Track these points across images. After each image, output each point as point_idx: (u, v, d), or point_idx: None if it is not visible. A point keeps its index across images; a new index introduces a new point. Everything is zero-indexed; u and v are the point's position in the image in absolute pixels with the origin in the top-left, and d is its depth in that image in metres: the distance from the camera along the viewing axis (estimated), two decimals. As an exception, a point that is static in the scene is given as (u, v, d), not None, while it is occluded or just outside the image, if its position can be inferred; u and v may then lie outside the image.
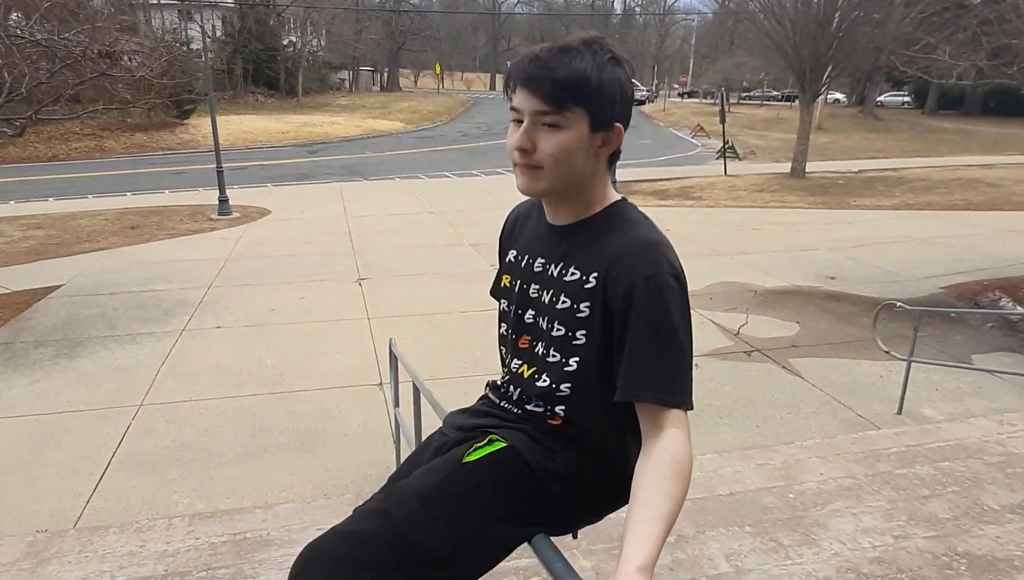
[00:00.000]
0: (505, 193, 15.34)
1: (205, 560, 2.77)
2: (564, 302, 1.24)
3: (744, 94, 51.77)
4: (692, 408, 1.14)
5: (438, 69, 60.55)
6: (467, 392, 5.37)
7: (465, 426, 1.40)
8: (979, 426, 4.25)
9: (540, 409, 1.31)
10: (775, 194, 16.08)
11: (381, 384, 5.66)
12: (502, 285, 1.42)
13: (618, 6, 78.31)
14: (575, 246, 1.25)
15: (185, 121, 27.43)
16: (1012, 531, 2.94)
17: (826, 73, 17.64)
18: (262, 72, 37.42)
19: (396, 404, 4.16)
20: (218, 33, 35.64)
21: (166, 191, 16.62)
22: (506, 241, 1.46)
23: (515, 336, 1.37)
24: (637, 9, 79.32)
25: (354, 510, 1.28)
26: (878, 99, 42.37)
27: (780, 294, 8.25)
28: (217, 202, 13.08)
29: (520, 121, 1.17)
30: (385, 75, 57.95)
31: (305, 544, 1.24)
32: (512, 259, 1.40)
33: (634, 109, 1.25)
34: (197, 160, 21.74)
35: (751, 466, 3.63)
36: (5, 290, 8.30)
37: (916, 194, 16.01)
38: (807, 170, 18.43)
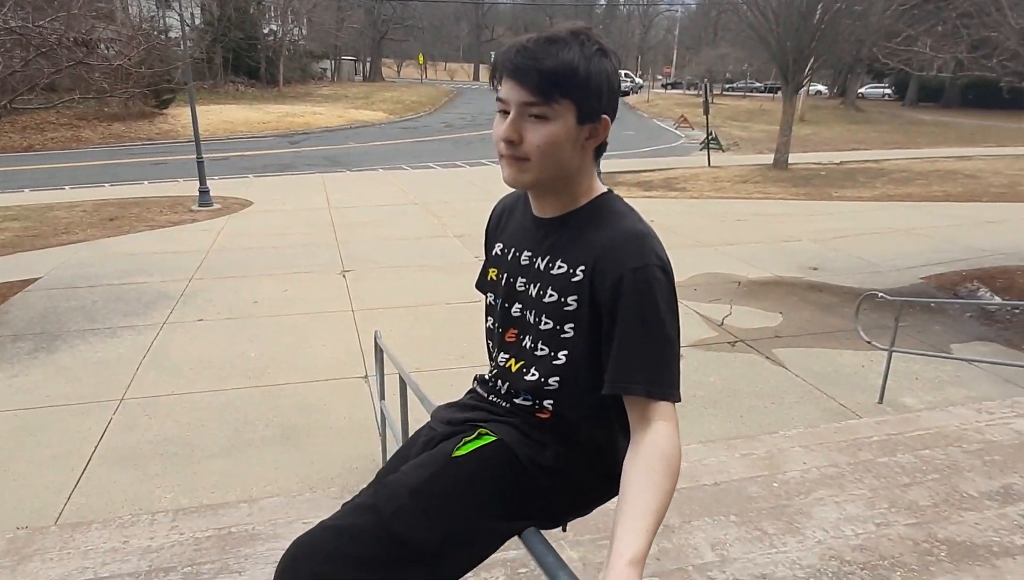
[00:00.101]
0: (490, 184, 15.30)
1: (189, 555, 2.75)
2: (551, 296, 1.23)
3: (727, 85, 51.94)
4: (680, 400, 1.14)
5: (421, 59, 60.10)
6: (453, 384, 5.37)
7: (454, 420, 1.39)
8: (958, 414, 4.32)
9: (528, 403, 1.31)
10: (758, 185, 16.18)
11: (366, 377, 5.64)
12: (488, 278, 1.41)
13: (602, -4, 78.12)
14: (562, 239, 1.24)
15: (164, 111, 27.00)
16: (990, 517, 3.00)
17: (808, 65, 17.75)
18: (242, 61, 36.89)
19: (382, 397, 4.15)
20: (197, 21, 35.06)
21: (145, 182, 16.37)
22: (492, 234, 1.45)
23: (502, 330, 1.36)
24: (621, -1, 79.26)
25: (342, 505, 1.27)
26: (859, 91, 42.76)
27: (763, 285, 8.32)
28: (197, 193, 12.91)
29: (506, 112, 1.16)
30: (367, 65, 57.38)
31: (291, 538, 1.23)
32: (498, 252, 1.39)
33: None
34: (177, 150, 21.43)
35: (735, 456, 3.66)
36: (-20, 283, 8.15)
37: (896, 185, 16.19)
38: (790, 161, 18.57)
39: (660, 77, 65.17)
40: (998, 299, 7.84)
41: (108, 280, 8.29)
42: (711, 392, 5.41)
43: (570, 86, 1.11)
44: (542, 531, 1.27)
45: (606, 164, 15.77)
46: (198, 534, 2.93)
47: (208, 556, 2.73)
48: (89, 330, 6.66)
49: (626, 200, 1.27)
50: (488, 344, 1.45)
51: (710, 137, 20.72)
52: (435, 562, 1.19)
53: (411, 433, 3.34)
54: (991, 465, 3.51)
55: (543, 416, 1.30)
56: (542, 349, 1.26)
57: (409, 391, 3.06)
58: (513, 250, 1.34)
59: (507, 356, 1.34)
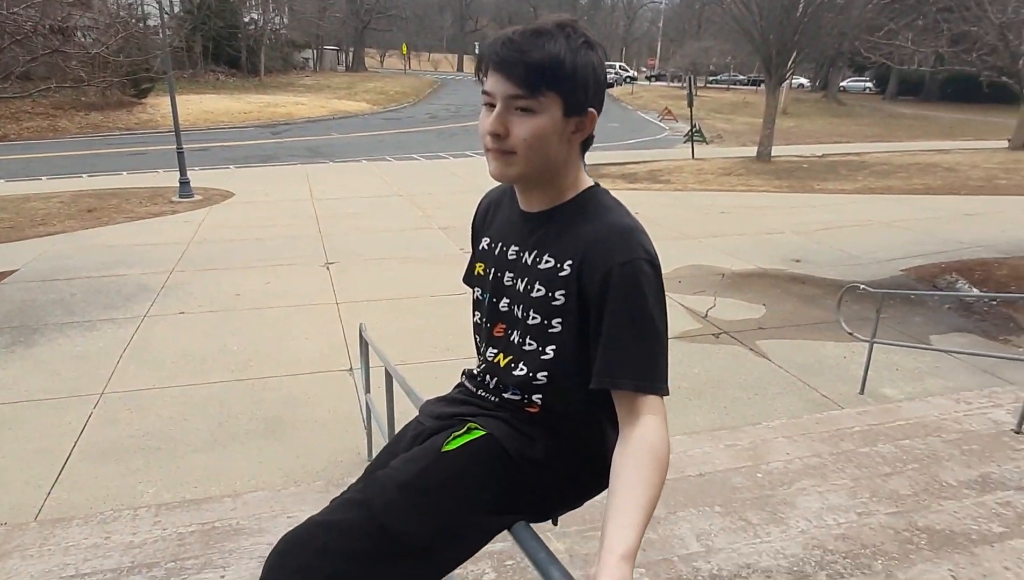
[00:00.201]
0: (474, 176, 15.25)
1: (173, 551, 2.73)
2: (539, 290, 1.23)
3: (711, 78, 52.10)
4: (668, 394, 1.14)
5: (404, 49, 59.63)
6: (438, 377, 5.37)
7: (442, 415, 1.39)
8: (937, 405, 4.39)
9: (517, 397, 1.30)
10: (742, 178, 16.28)
11: (351, 369, 5.61)
12: (476, 273, 1.41)
13: (586, -13, 77.89)
14: (549, 233, 1.24)
15: (143, 100, 26.58)
16: (968, 506, 3.05)
17: (791, 58, 17.87)
18: (223, 50, 36.38)
19: (367, 390, 4.13)
20: (176, 9, 34.47)
21: (124, 173, 16.12)
22: (479, 228, 1.44)
23: (490, 324, 1.35)
24: (605, -9, 79.06)
25: (331, 501, 1.27)
26: (841, 84, 43.10)
27: (747, 277, 8.38)
28: (178, 184, 12.74)
29: (492, 105, 1.15)
30: (350, 55, 56.82)
31: (276, 532, 1.22)
32: (485, 247, 1.38)
33: None
34: (156, 141, 21.12)
35: (720, 447, 3.70)
36: (-45, 276, 7.99)
37: (877, 178, 16.36)
38: (773, 154, 18.69)
39: (644, 69, 65.24)
40: (976, 291, 7.96)
41: (87, 272, 8.16)
42: (695, 383, 5.45)
43: (556, 79, 1.11)
44: (532, 525, 1.27)
45: (591, 156, 15.60)
46: (181, 529, 2.91)
47: (192, 551, 2.71)
48: (68, 323, 6.56)
49: (612, 193, 1.27)
50: (476, 339, 1.44)
51: (694, 129, 20.80)
52: (425, 556, 1.19)
53: (397, 426, 3.33)
54: (969, 454, 3.57)
55: (532, 410, 1.29)
56: (530, 344, 1.26)
57: (395, 384, 3.04)
58: (500, 245, 1.33)
59: (495, 351, 1.33)
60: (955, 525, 2.88)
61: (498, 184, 1.34)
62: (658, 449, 1.07)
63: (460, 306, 6.71)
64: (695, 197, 13.85)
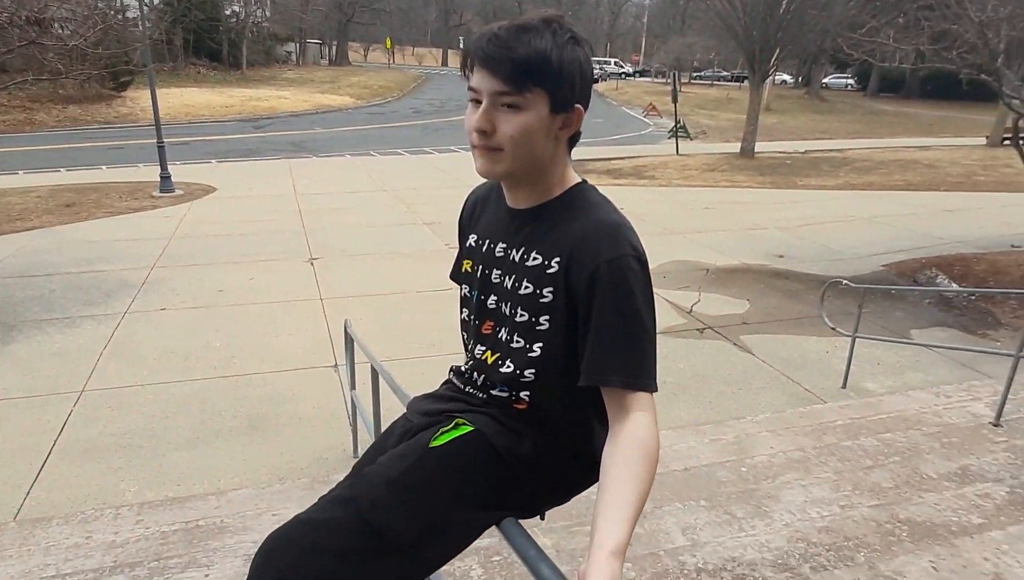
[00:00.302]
0: (459, 171, 15.20)
1: (156, 550, 2.70)
2: (527, 287, 1.22)
3: (695, 74, 52.29)
4: (657, 390, 1.15)
5: (388, 43, 59.24)
6: (424, 373, 5.34)
7: (430, 411, 1.38)
8: (917, 398, 4.45)
9: (505, 394, 1.30)
10: (725, 174, 16.37)
11: (336, 366, 5.58)
12: (463, 270, 1.40)
13: (571, -18, 77.77)
14: (536, 230, 1.23)
15: (122, 93, 26.17)
16: (948, 498, 3.10)
17: (775, 55, 17.99)
18: (204, 43, 35.89)
19: (352, 386, 4.12)
20: (156, 1, 33.99)
21: (103, 167, 15.87)
22: (466, 225, 1.43)
23: (478, 322, 1.35)
24: (590, -14, 79.00)
25: (319, 499, 1.26)
26: (823, 81, 43.43)
27: (731, 272, 8.43)
28: (159, 179, 12.57)
29: (478, 101, 1.14)
30: (333, 49, 56.34)
31: (260, 530, 1.21)
32: (473, 244, 1.37)
33: None
34: (136, 134, 20.82)
35: (705, 441, 3.72)
36: (-71, 272, 7.84)
37: (859, 174, 16.53)
38: (756, 150, 18.82)
39: (628, 65, 65.27)
40: (955, 286, 8.07)
41: (66, 268, 8.04)
42: (680, 378, 5.48)
43: (543, 75, 1.10)
44: (520, 520, 1.27)
45: (575, 152, 15.68)
46: (164, 528, 2.88)
47: (175, 550, 2.68)
48: (47, 320, 6.46)
49: (601, 191, 1.27)
50: (463, 336, 1.43)
51: (678, 125, 20.88)
52: (413, 553, 1.18)
53: (383, 422, 3.32)
54: (949, 447, 3.62)
55: (520, 407, 1.29)
56: (517, 341, 1.25)
57: (381, 380, 3.03)
58: (488, 242, 1.33)
59: (483, 348, 1.33)
60: (936, 517, 2.92)
61: (485, 180, 1.34)
62: (647, 445, 1.07)
63: (446, 302, 6.69)
64: (679, 193, 13.92)
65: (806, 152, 20.38)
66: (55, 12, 9.61)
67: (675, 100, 20.78)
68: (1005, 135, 20.40)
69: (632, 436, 1.08)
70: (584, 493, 1.37)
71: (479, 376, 1.34)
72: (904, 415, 4.06)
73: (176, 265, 8.23)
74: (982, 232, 10.60)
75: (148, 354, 5.74)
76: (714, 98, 38.85)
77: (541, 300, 1.20)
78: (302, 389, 5.20)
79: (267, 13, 43.76)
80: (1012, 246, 9.62)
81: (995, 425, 3.88)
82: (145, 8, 14.20)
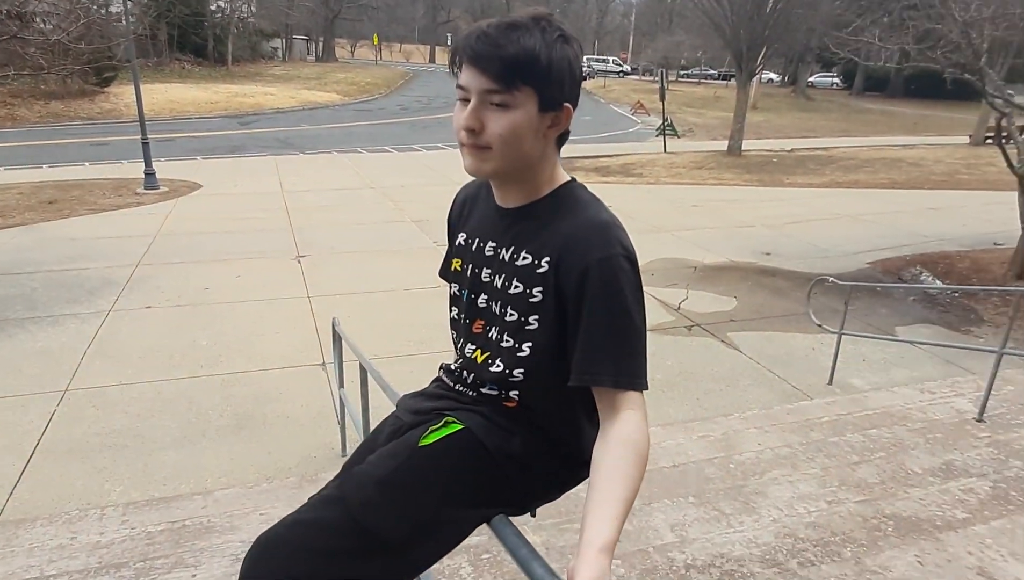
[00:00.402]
0: (447, 168, 15.16)
1: (142, 550, 2.67)
2: (516, 287, 1.22)
3: (682, 72, 52.46)
4: (648, 388, 1.15)
5: (376, 40, 58.89)
6: (413, 370, 5.32)
7: (420, 409, 1.38)
8: (902, 394, 4.49)
9: (495, 392, 1.30)
10: (713, 172, 16.45)
11: (323, 364, 5.55)
12: (453, 269, 1.39)
13: (559, -21, 77.72)
14: (526, 229, 1.23)
15: (105, 89, 25.85)
16: (933, 493, 3.13)
17: (762, 53, 18.08)
18: (188, 38, 35.52)
19: (340, 385, 4.10)
20: (140, -5, 33.61)
21: (86, 163, 15.69)
22: (454, 223, 1.43)
23: (469, 321, 1.34)
24: (578, -17, 78.96)
25: (309, 499, 1.25)
26: (809, 80, 43.71)
27: (719, 270, 8.48)
28: (143, 175, 12.44)
29: (467, 100, 1.13)
30: (320, 45, 55.98)
31: (248, 530, 1.21)
32: (462, 242, 1.37)
33: None
34: (120, 131, 20.59)
35: (693, 438, 3.74)
36: (-92, 269, 7.71)
37: (845, 172, 16.66)
38: (743, 148, 18.92)
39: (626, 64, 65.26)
40: (939, 283, 8.16)
41: (49, 266, 7.94)
42: (669, 375, 5.50)
43: (532, 73, 1.09)
44: (510, 518, 1.27)
45: (564, 149, 15.76)
46: (150, 528, 2.85)
47: (161, 550, 2.66)
48: (29, 318, 6.37)
49: (589, 188, 1.26)
50: (453, 334, 1.43)
51: (666, 123, 20.95)
52: (404, 552, 1.18)
53: (372, 420, 3.30)
54: (933, 442, 3.66)
55: (510, 405, 1.29)
56: (507, 341, 1.25)
57: (370, 378, 3.01)
58: (477, 240, 1.32)
59: (473, 347, 1.33)
60: (921, 512, 2.95)
61: (474, 178, 1.33)
62: (637, 444, 1.07)
63: (434, 300, 6.68)
64: (667, 191, 13.96)
65: (792, 150, 20.52)
66: (37, 6, 9.48)
67: (663, 98, 20.85)
68: (988, 134, 20.68)
69: (622, 434, 1.08)
70: (574, 490, 1.37)
71: (469, 374, 1.34)
72: (889, 411, 4.10)
73: (161, 263, 8.15)
74: (965, 230, 10.73)
75: (133, 353, 5.69)
76: (701, 96, 39.00)
77: (531, 299, 1.20)
78: (290, 387, 5.17)
79: (253, 8, 43.36)
80: (995, 244, 9.73)
81: (978, 420, 3.93)
82: (128, 3, 14.02)
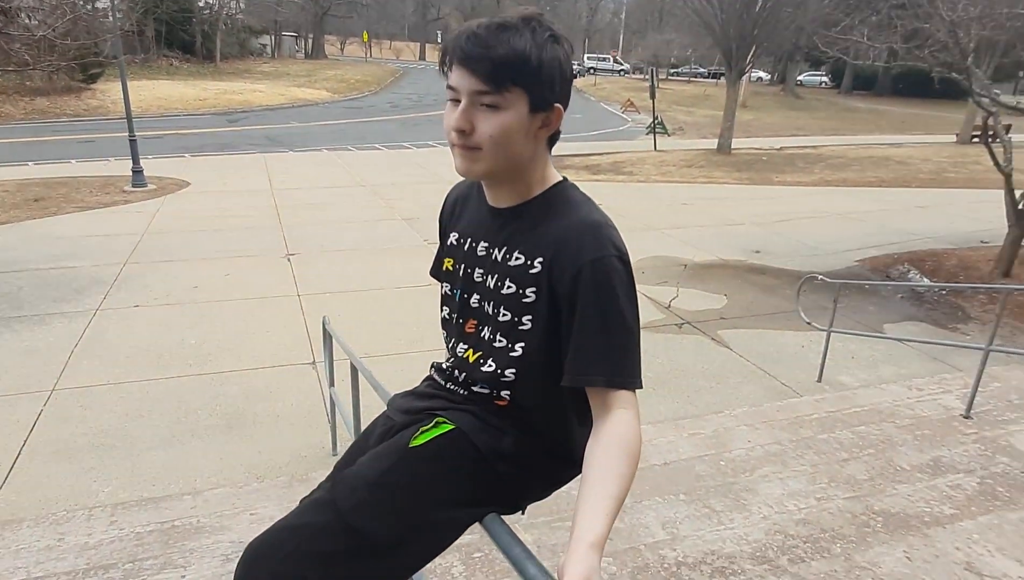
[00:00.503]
0: (438, 166, 15.14)
1: (131, 551, 2.65)
2: (509, 287, 1.22)
3: (672, 70, 52.56)
4: (641, 387, 1.15)
5: (365, 37, 58.62)
6: (403, 369, 5.31)
7: (411, 409, 1.37)
8: (890, 392, 4.53)
9: (486, 391, 1.30)
10: (703, 170, 16.50)
11: (314, 363, 5.53)
12: (444, 268, 1.39)
13: (549, -23, 77.62)
14: (518, 230, 1.23)
15: (92, 86, 25.60)
16: (921, 489, 3.16)
17: (751, 52, 18.14)
18: (176, 35, 35.23)
19: (331, 383, 4.08)
20: (126, -9, 33.29)
21: (73, 161, 15.52)
22: (446, 223, 1.42)
23: (461, 320, 1.34)
24: (568, -19, 78.88)
25: (300, 501, 1.24)
26: (798, 78, 43.93)
27: (709, 268, 8.51)
28: (131, 173, 12.33)
29: (457, 100, 1.13)
30: (309, 42, 55.66)
31: (238, 530, 1.20)
32: (454, 242, 1.36)
33: None
34: (106, 128, 20.40)
35: (684, 436, 3.75)
36: None
37: (833, 171, 16.76)
38: (733, 146, 18.99)
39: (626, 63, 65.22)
40: (927, 281, 8.23)
41: (35, 264, 7.86)
42: (659, 373, 5.51)
43: (522, 75, 1.09)
44: (502, 517, 1.27)
45: (554, 147, 15.81)
46: (139, 529, 2.83)
47: (150, 551, 2.64)
48: (15, 318, 6.31)
49: (580, 188, 1.26)
50: (444, 333, 1.43)
51: (656, 121, 20.99)
52: (397, 553, 1.18)
53: (363, 419, 3.29)
54: (921, 439, 3.69)
55: (501, 403, 1.29)
56: (500, 340, 1.25)
57: (361, 377, 3.00)
58: (469, 240, 1.32)
59: (465, 346, 1.32)
60: (909, 508, 2.98)
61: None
62: (629, 442, 1.08)
63: (425, 298, 6.66)
64: (657, 189, 14.00)
65: (782, 149, 20.61)
66: (22, 2, 9.37)
67: (653, 96, 20.88)
68: (974, 132, 20.87)
69: (614, 433, 1.08)
70: (565, 488, 1.37)
71: (461, 373, 1.34)
72: (878, 408, 4.13)
73: (149, 261, 8.09)
74: (952, 228, 10.82)
75: (121, 352, 5.64)
76: (691, 95, 39.12)
77: (524, 300, 1.20)
78: (280, 386, 5.14)
79: (241, 5, 43.10)
80: (981, 242, 9.82)
81: (965, 417, 3.97)
82: (115, -1, 13.88)
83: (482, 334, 1.29)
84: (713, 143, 19.69)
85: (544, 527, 2.74)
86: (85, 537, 2.77)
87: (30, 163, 15.15)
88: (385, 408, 1.48)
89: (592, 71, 50.55)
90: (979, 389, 4.02)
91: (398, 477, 1.21)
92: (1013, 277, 8.08)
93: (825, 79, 49.36)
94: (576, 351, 1.13)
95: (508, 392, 1.26)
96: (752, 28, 17.29)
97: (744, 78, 21.25)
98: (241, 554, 1.18)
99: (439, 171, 14.51)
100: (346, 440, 4.03)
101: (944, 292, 7.78)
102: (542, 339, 1.19)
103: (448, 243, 1.38)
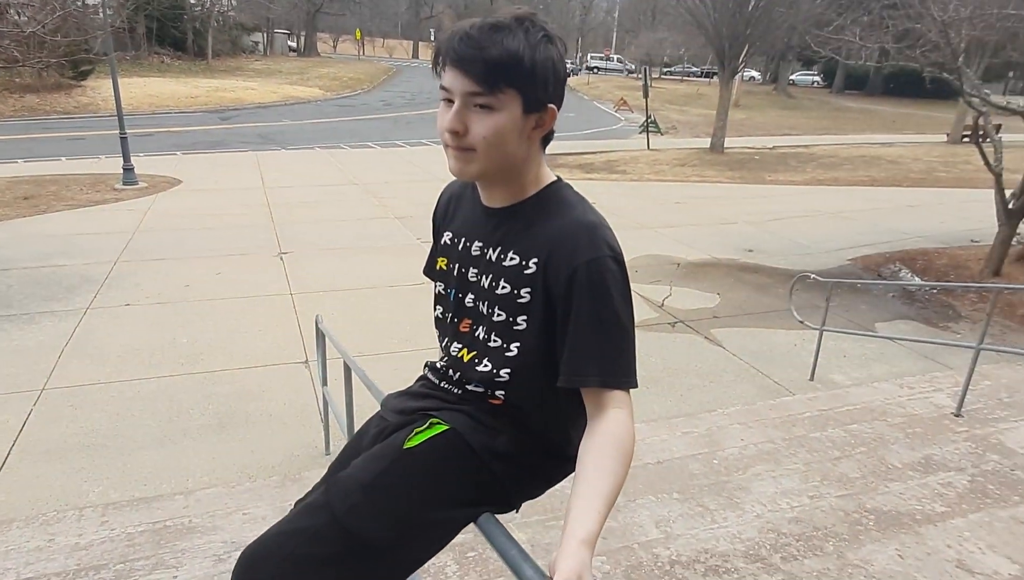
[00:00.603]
0: (431, 165, 15.11)
1: (122, 551, 2.63)
2: (504, 287, 1.22)
3: (665, 69, 52.66)
4: (636, 386, 1.15)
5: (358, 35, 58.48)
6: (397, 368, 5.29)
7: (405, 410, 1.37)
8: (882, 390, 4.55)
9: (480, 390, 1.29)
10: (696, 169, 16.54)
11: (307, 362, 5.51)
12: (438, 268, 1.38)
13: (542, -25, 77.56)
14: (513, 230, 1.23)
15: (82, 83, 25.40)
16: (913, 487, 3.18)
17: (744, 51, 18.18)
18: (167, 32, 35.02)
19: (324, 383, 4.06)
20: (117, -13, 33.04)
21: (63, 158, 15.40)
22: (440, 221, 1.42)
23: (456, 320, 1.34)
24: (561, -21, 78.85)
25: (295, 503, 1.24)
26: (790, 78, 44.10)
27: (702, 266, 8.53)
28: (121, 171, 12.24)
29: (450, 101, 1.13)
30: (302, 39, 55.45)
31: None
32: (448, 241, 1.36)
33: None
34: (97, 125, 20.26)
35: (677, 434, 3.76)
36: None
37: (825, 170, 16.83)
38: (725, 145, 19.03)
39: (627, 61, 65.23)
40: (918, 280, 8.27)
41: (24, 263, 7.80)
42: (653, 372, 5.52)
43: (515, 76, 1.09)
44: (497, 516, 1.27)
45: (548, 146, 15.81)
46: (130, 529, 2.81)
47: (142, 551, 2.62)
48: (4, 317, 6.25)
49: (569, 183, 1.26)
50: (437, 333, 1.42)
51: (649, 120, 21.01)
52: (393, 555, 1.18)
53: (356, 419, 3.27)
54: (913, 437, 3.71)
55: (495, 402, 1.29)
56: (495, 340, 1.25)
57: (354, 376, 2.99)
58: (463, 240, 1.31)
59: (460, 346, 1.32)
60: (901, 506, 2.99)
61: None
62: (622, 440, 1.08)
63: (419, 297, 6.65)
64: (651, 187, 14.02)
65: (774, 148, 20.68)
66: (11, -2, 9.29)
67: (646, 95, 20.90)
68: (965, 132, 20.99)
69: (608, 432, 1.09)
70: (559, 486, 1.37)
71: (455, 373, 1.33)
72: (870, 406, 4.15)
73: (140, 260, 8.04)
74: (943, 227, 10.89)
75: (112, 351, 5.60)
76: (684, 94, 39.18)
77: (519, 300, 1.20)
78: (272, 386, 5.12)
79: (233, 2, 42.87)
80: (971, 241, 9.89)
81: (956, 415, 3.99)
82: (106, -5, 13.79)
83: (477, 334, 1.28)
84: (706, 142, 19.74)
85: (538, 526, 2.74)
86: (76, 538, 2.75)
87: (19, 160, 15.03)
88: (379, 408, 1.47)
89: (596, 70, 50.76)
90: (970, 387, 4.04)
91: (393, 479, 1.21)
92: (1003, 276, 8.14)
93: (817, 78, 49.56)
94: (571, 352, 1.14)
95: (503, 392, 1.26)
96: (745, 27, 17.34)
97: (737, 77, 21.31)
98: (236, 561, 1.18)
99: (432, 169, 14.48)
100: (339, 439, 4.02)
101: (935, 291, 7.83)
102: (537, 339, 1.20)
103: (442, 242, 1.38)
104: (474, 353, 1.29)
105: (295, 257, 8.32)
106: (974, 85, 8.37)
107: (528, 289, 1.19)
